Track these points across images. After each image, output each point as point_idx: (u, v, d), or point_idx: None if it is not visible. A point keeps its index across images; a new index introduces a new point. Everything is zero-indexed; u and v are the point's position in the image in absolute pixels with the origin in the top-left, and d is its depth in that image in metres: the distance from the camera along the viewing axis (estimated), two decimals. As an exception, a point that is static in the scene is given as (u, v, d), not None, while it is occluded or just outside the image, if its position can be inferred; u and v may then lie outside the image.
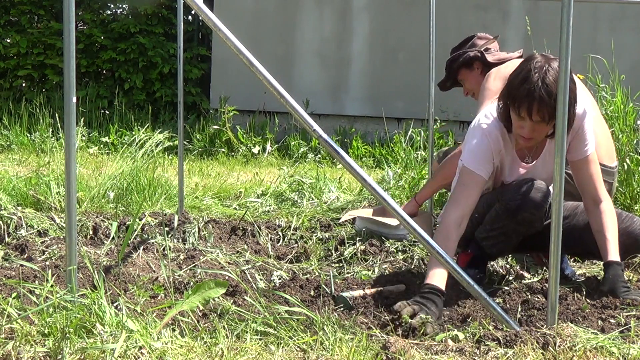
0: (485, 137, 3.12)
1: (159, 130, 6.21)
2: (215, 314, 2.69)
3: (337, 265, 3.60)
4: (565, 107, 2.50)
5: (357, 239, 3.91)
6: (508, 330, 2.60)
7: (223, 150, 7.68)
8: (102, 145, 7.68)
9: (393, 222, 3.95)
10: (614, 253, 3.06)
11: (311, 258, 3.73)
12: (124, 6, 9.39)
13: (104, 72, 9.29)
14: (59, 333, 2.30)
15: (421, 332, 2.57)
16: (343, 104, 8.62)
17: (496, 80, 3.78)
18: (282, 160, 7.44)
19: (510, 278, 3.44)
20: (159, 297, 2.97)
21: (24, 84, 9.17)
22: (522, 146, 3.17)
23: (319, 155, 7.52)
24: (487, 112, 3.19)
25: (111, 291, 2.83)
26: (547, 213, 3.10)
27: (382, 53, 8.53)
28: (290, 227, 4.15)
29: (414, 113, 7.66)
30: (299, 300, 2.84)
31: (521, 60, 3.20)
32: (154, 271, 3.35)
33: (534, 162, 3.21)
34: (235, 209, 4.70)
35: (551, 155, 3.15)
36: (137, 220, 3.96)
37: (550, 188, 3.12)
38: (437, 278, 2.82)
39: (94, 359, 2.23)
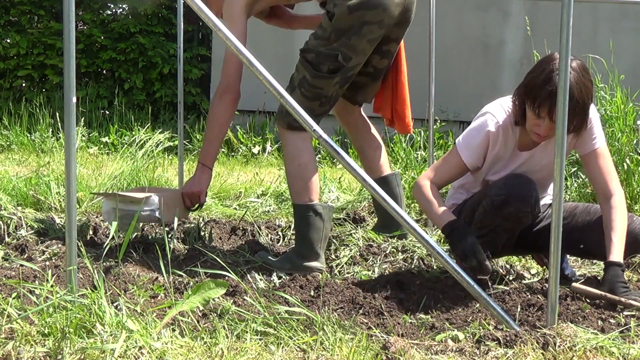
0: (486, 128, 3.19)
1: (159, 130, 6.21)
2: (215, 314, 2.69)
3: (337, 265, 3.60)
4: (566, 107, 2.51)
5: (357, 238, 3.90)
6: (508, 330, 2.60)
7: (223, 150, 7.68)
8: (102, 145, 7.68)
9: (139, 195, 3.52)
10: (616, 254, 3.06)
11: (311, 258, 3.72)
12: (124, 6, 9.39)
13: (104, 72, 9.28)
14: (59, 333, 2.30)
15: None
16: (343, 104, 8.61)
17: None
18: (282, 160, 7.43)
19: (510, 278, 3.44)
20: (159, 297, 2.97)
21: (24, 84, 9.17)
22: (530, 140, 3.21)
23: (319, 155, 7.52)
24: (499, 105, 3.24)
25: (111, 291, 2.82)
26: (536, 208, 3.13)
27: (382, 53, 8.53)
28: (290, 227, 4.14)
29: (414, 113, 7.61)
30: (299, 300, 2.84)
31: None
32: (154, 271, 3.35)
33: (533, 149, 3.25)
34: (235, 209, 4.70)
35: (551, 142, 3.18)
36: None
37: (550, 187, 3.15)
38: (448, 214, 3.11)
39: (94, 359, 2.23)
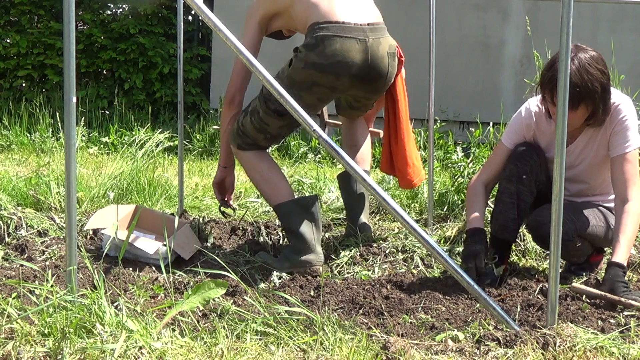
0: (520, 113, 3.43)
1: (159, 130, 6.20)
2: (215, 314, 2.69)
3: (337, 265, 3.60)
4: (566, 106, 2.50)
5: (357, 239, 3.90)
6: (508, 330, 2.60)
7: (223, 150, 7.67)
8: (102, 145, 7.67)
9: (151, 248, 3.48)
10: (620, 255, 3.08)
11: (311, 258, 3.72)
12: (124, 6, 9.38)
13: (104, 72, 9.28)
14: (59, 333, 2.31)
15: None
16: (343, 104, 8.60)
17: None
18: (282, 160, 7.43)
19: (510, 278, 3.44)
20: (159, 297, 2.97)
21: (24, 84, 9.16)
22: (569, 133, 3.30)
23: (319, 155, 7.51)
24: (538, 95, 3.39)
25: (111, 291, 2.83)
26: (540, 173, 3.31)
27: (382, 53, 8.52)
28: (290, 227, 4.14)
29: (414, 113, 7.59)
30: (299, 300, 2.84)
31: None
32: (154, 271, 3.35)
33: (571, 143, 3.34)
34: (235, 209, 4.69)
35: (592, 139, 3.31)
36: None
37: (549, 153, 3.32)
38: (475, 221, 3.30)
39: (94, 359, 2.23)
